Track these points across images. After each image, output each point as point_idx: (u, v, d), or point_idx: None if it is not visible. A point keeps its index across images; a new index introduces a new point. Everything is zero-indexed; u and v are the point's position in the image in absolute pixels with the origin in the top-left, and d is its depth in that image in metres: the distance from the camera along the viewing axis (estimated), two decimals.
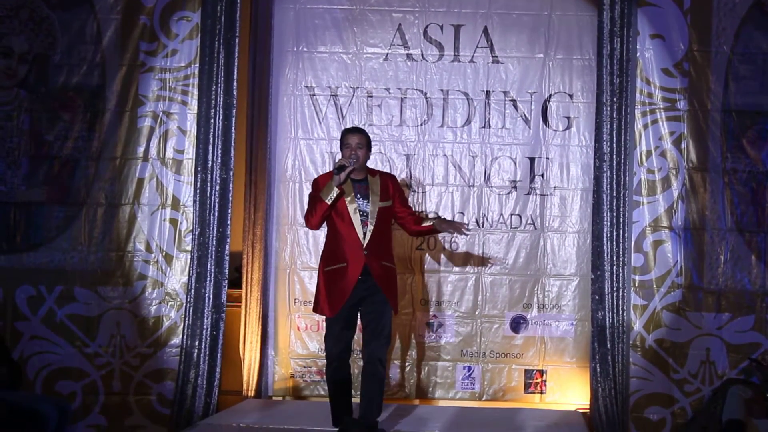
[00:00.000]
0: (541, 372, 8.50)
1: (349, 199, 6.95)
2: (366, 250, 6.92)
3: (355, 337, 7.15)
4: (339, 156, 7.18)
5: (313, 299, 8.47)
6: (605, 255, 7.86)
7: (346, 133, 7.09)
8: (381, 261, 6.98)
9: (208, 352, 7.94)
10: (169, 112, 8.25)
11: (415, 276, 8.54)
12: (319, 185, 7.04)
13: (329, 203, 6.89)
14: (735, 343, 8.01)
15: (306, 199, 8.52)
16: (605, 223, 7.87)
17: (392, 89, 8.67)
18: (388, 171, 8.19)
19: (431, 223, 7.12)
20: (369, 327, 6.97)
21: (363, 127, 7.48)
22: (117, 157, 8.20)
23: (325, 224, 7.08)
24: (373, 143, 7.27)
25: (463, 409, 8.21)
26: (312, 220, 7.02)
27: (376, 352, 6.92)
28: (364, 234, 6.93)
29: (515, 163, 8.60)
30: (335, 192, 6.86)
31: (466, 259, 8.59)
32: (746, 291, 8.02)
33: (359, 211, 6.97)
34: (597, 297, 7.86)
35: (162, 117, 8.24)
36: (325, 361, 8.31)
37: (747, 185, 8.05)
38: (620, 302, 7.84)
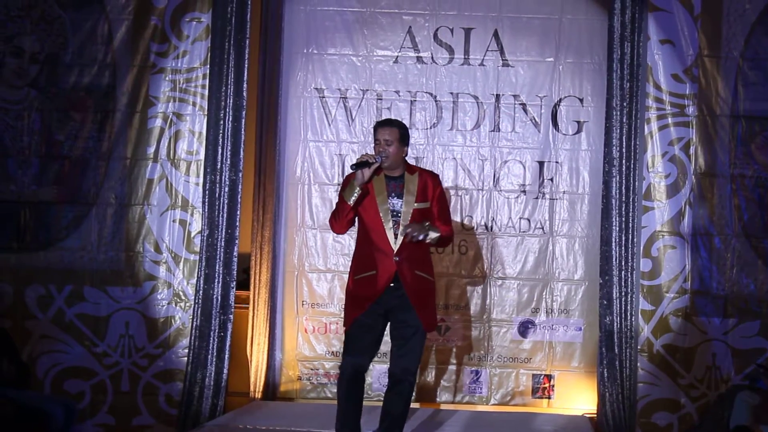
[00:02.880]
0: (549, 377, 8.50)
1: (380, 198, 6.25)
2: (397, 256, 6.22)
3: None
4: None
5: (320, 301, 8.59)
6: (614, 260, 7.86)
7: (376, 126, 6.41)
8: (415, 270, 6.26)
9: (215, 354, 7.95)
10: (180, 114, 8.25)
11: None
12: (347, 183, 6.36)
13: (351, 205, 6.21)
14: (740, 348, 8.01)
15: (315, 202, 8.61)
16: (614, 227, 7.87)
17: (402, 92, 8.67)
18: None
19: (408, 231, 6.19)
20: (398, 345, 6.31)
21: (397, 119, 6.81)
22: (127, 158, 8.21)
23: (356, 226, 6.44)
24: None
25: (470, 413, 8.22)
26: (336, 225, 6.36)
27: (404, 372, 6.29)
28: (396, 238, 6.22)
29: (525, 167, 8.60)
30: (357, 192, 6.18)
31: (474, 262, 8.59)
32: (753, 296, 8.02)
33: (391, 212, 6.25)
34: (605, 302, 7.86)
35: (172, 118, 8.24)
36: (332, 363, 8.39)
37: (754, 191, 8.05)
38: (628, 307, 7.83)
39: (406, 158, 6.49)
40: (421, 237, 6.14)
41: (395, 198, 6.30)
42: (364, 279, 6.31)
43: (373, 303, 6.26)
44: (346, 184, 6.34)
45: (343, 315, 6.52)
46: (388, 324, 6.42)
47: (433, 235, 6.18)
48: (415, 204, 6.29)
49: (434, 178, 6.50)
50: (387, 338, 6.48)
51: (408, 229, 6.16)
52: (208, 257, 7.97)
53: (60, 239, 8.19)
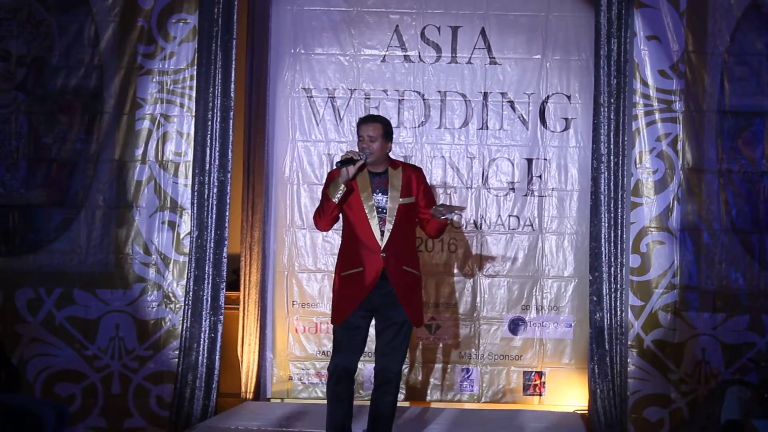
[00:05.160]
0: (540, 374, 8.51)
1: (365, 194, 6.25)
2: (384, 252, 6.20)
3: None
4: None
5: (311, 301, 8.59)
6: (603, 256, 7.87)
7: (360, 123, 6.37)
8: (402, 266, 6.24)
9: (206, 355, 7.94)
10: (167, 115, 8.22)
11: None
12: (330, 180, 6.33)
13: (336, 202, 6.18)
14: (730, 343, 8.02)
15: (304, 201, 8.59)
16: (603, 224, 7.88)
17: (390, 91, 8.66)
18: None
19: (431, 215, 6.24)
20: (383, 341, 6.30)
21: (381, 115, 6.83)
22: (115, 160, 8.18)
23: (340, 223, 6.41)
24: None
25: (461, 411, 8.24)
26: (320, 222, 6.33)
27: (390, 370, 6.30)
28: (382, 234, 6.21)
29: (513, 165, 8.60)
30: (342, 189, 6.16)
31: (464, 260, 8.60)
32: (741, 291, 8.04)
33: (376, 208, 6.24)
34: (595, 298, 7.87)
35: (160, 119, 8.22)
36: (323, 362, 8.38)
37: (742, 186, 8.07)
38: (618, 303, 7.85)
39: (390, 153, 6.47)
40: (448, 216, 6.15)
41: (380, 194, 6.29)
42: (351, 276, 6.29)
43: (361, 302, 6.23)
44: (330, 181, 6.33)
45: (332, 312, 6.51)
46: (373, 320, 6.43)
47: (454, 218, 6.23)
48: (400, 199, 6.28)
49: (418, 172, 6.48)
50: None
51: (441, 209, 6.14)
52: (197, 258, 7.97)
53: (49, 242, 8.16)
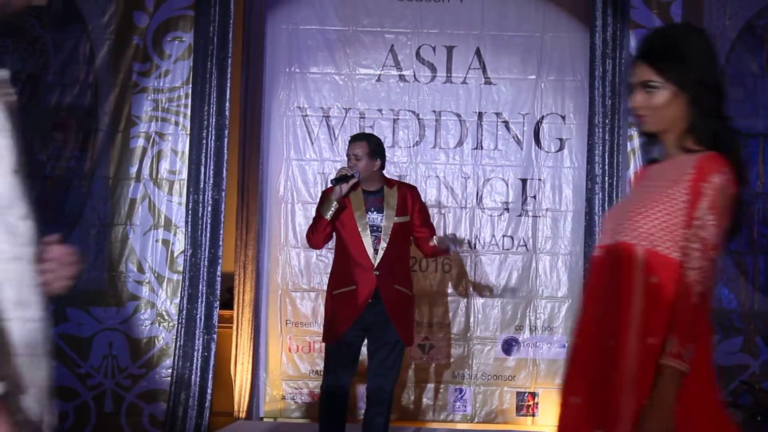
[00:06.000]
0: (533, 394, 8.48)
1: (359, 213, 6.26)
2: (377, 271, 6.21)
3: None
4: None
5: (304, 320, 8.57)
6: None
7: (349, 142, 6.46)
8: (395, 285, 6.25)
9: (199, 373, 7.92)
10: (162, 133, 8.21)
11: None
12: (324, 198, 6.38)
13: (328, 219, 6.22)
14: (723, 365, 7.97)
15: (298, 220, 8.58)
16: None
17: (384, 110, 8.66)
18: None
19: (435, 244, 6.34)
20: (377, 361, 6.30)
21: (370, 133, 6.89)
22: (110, 178, 8.16)
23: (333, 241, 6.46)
24: None
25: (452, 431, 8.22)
26: (313, 239, 6.37)
27: (384, 389, 6.30)
28: (376, 252, 6.22)
29: (507, 185, 8.60)
30: (335, 206, 6.19)
31: (458, 280, 8.58)
32: (735, 312, 8.02)
33: (370, 226, 6.24)
34: None
35: (155, 137, 8.20)
36: (316, 382, 8.36)
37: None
38: None
39: (384, 173, 6.54)
40: (452, 247, 6.38)
41: (375, 212, 6.32)
42: (343, 294, 6.32)
43: (353, 321, 6.25)
44: (324, 198, 6.38)
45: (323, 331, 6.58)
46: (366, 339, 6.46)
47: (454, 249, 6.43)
48: (396, 218, 6.31)
49: (413, 191, 6.55)
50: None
51: (447, 240, 6.37)
52: (191, 277, 7.95)
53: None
